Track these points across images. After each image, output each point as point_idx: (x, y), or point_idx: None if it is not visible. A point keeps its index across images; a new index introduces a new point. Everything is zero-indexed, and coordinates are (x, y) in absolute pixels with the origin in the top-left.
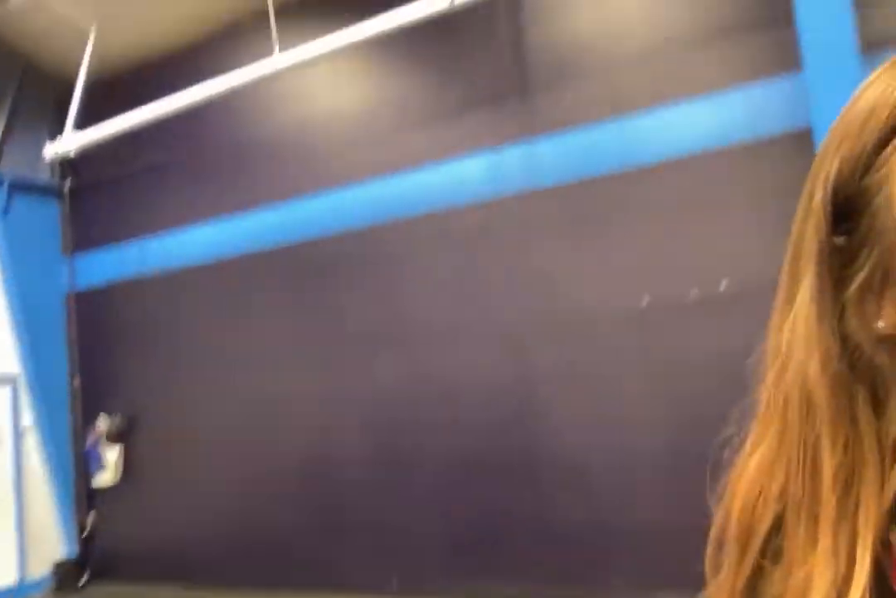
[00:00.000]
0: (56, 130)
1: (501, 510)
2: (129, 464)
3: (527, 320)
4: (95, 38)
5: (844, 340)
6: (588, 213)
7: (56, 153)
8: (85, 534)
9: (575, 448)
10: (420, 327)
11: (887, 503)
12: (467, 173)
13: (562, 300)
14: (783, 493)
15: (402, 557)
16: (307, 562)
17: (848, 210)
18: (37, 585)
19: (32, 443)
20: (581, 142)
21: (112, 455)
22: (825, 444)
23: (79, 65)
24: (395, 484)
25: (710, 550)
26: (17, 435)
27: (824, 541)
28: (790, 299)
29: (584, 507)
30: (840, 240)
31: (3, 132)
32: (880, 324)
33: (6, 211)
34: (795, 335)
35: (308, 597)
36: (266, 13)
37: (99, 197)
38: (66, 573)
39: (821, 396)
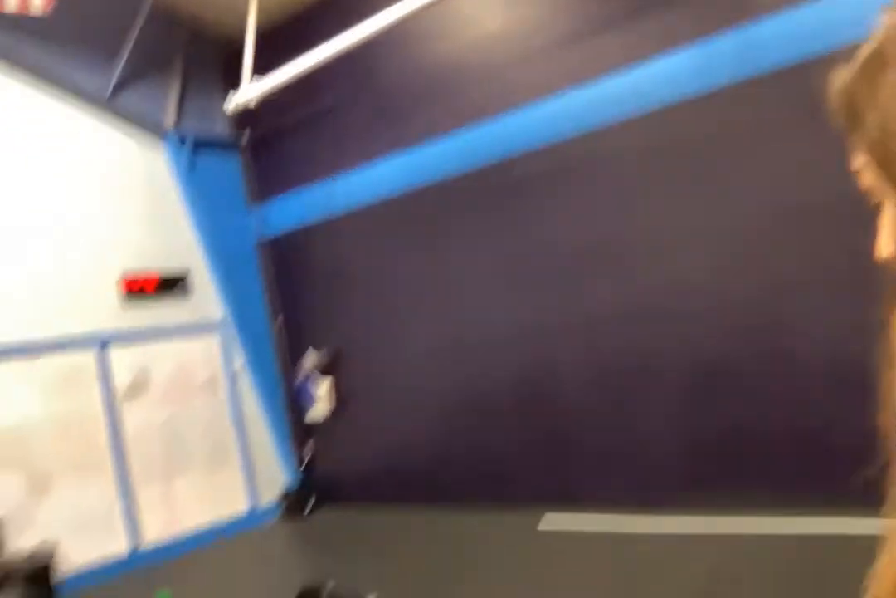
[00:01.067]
0: (227, 86)
1: (742, 422)
2: (339, 395)
3: (762, 218)
4: None
5: None
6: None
7: (237, 105)
8: (304, 464)
9: (832, 352)
10: (635, 242)
11: None
12: (668, 72)
13: (801, 194)
14: None
15: (637, 474)
16: (527, 481)
17: None
18: (267, 513)
19: (246, 384)
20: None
21: (323, 388)
22: None
23: (240, 21)
24: (622, 405)
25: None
26: (231, 378)
27: None
28: None
29: (838, 411)
30: None
31: (180, 93)
32: None
33: (192, 167)
34: None
35: (531, 513)
36: None
37: (276, 146)
38: (291, 502)
39: None
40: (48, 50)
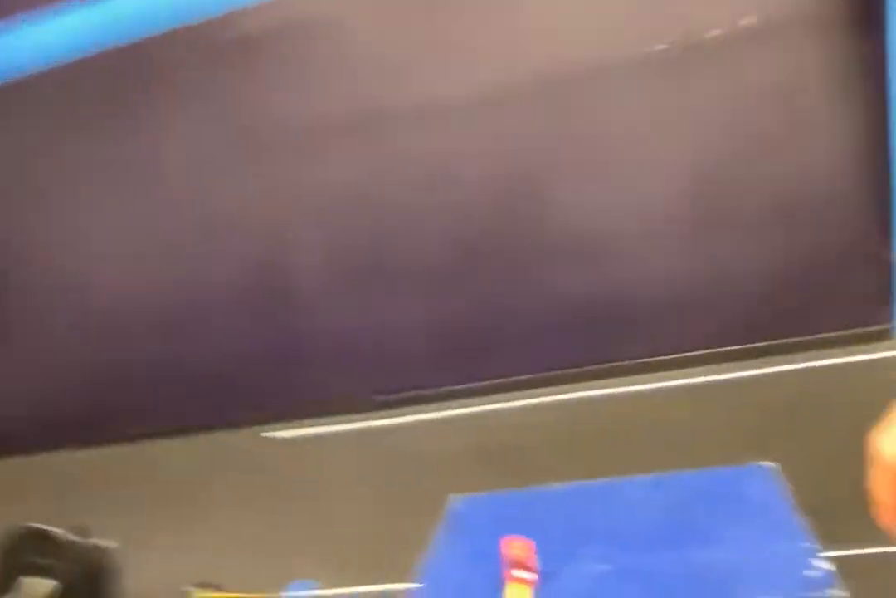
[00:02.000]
0: None
1: (499, 298)
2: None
3: (515, 83)
4: None
5: None
6: None
7: None
8: None
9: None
10: (380, 111)
11: None
12: None
13: (558, 52)
14: None
15: (382, 369)
16: (255, 390)
17: None
18: None
19: None
20: None
21: None
22: None
23: None
24: (367, 296)
25: None
26: None
27: None
28: None
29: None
30: None
31: None
32: None
33: None
34: None
35: (260, 424)
36: None
37: None
38: None
39: None
40: None
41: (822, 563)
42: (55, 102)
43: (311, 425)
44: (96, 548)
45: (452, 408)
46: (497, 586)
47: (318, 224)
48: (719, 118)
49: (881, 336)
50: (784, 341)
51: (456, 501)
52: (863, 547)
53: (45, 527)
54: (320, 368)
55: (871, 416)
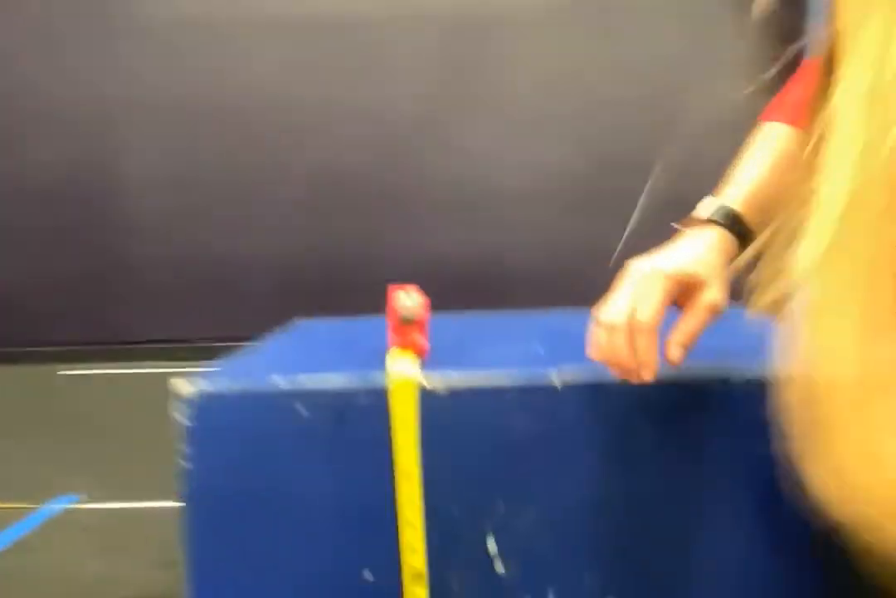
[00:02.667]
0: None
1: (354, 243)
2: None
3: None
4: None
5: None
6: None
7: None
8: None
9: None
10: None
11: None
12: None
13: None
14: None
15: (225, 307)
16: (57, 323)
17: None
18: None
19: None
20: None
21: None
22: None
23: None
24: (205, 224)
25: None
26: None
27: None
28: None
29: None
30: None
31: None
32: None
33: None
34: None
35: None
36: None
37: None
38: None
39: None
40: None
41: None
42: None
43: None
44: None
45: None
46: None
47: (150, 137)
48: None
49: None
50: None
51: None
52: None
53: None
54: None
55: None
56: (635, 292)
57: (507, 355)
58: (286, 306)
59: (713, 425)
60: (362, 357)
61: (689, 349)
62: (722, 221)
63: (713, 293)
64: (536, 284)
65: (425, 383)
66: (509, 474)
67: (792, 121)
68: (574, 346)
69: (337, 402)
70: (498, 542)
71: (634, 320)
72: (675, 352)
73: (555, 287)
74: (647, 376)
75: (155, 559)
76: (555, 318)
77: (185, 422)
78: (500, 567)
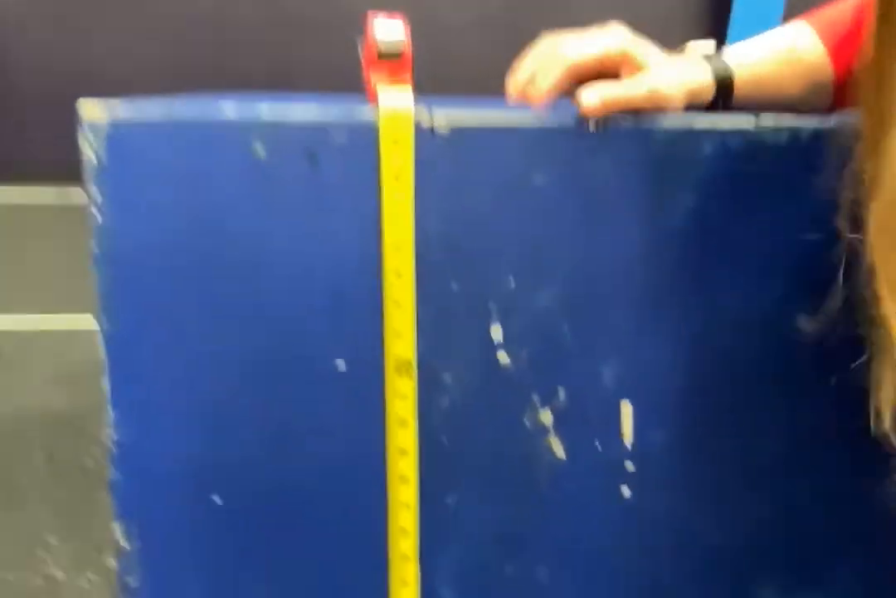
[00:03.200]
0: None
1: None
2: None
3: None
4: None
5: None
6: None
7: None
8: None
9: None
10: None
11: None
12: None
13: None
14: None
15: None
16: None
17: None
18: None
19: None
20: None
21: None
22: None
23: None
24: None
25: None
26: None
27: None
28: None
29: None
30: None
31: None
32: None
33: None
34: None
35: None
36: None
37: None
38: None
39: None
40: None
41: None
42: None
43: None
44: None
45: None
46: None
47: None
48: None
49: None
50: None
51: None
52: None
53: None
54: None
55: None
56: (582, 35)
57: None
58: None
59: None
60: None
61: (606, 107)
62: (713, 62)
63: (657, 79)
64: None
65: (423, 119)
66: (524, 241)
67: (821, 33)
68: None
69: (307, 138)
70: (504, 327)
71: (562, 48)
72: (587, 96)
73: None
74: (535, 93)
75: (52, 374)
76: None
77: (95, 161)
78: (503, 358)
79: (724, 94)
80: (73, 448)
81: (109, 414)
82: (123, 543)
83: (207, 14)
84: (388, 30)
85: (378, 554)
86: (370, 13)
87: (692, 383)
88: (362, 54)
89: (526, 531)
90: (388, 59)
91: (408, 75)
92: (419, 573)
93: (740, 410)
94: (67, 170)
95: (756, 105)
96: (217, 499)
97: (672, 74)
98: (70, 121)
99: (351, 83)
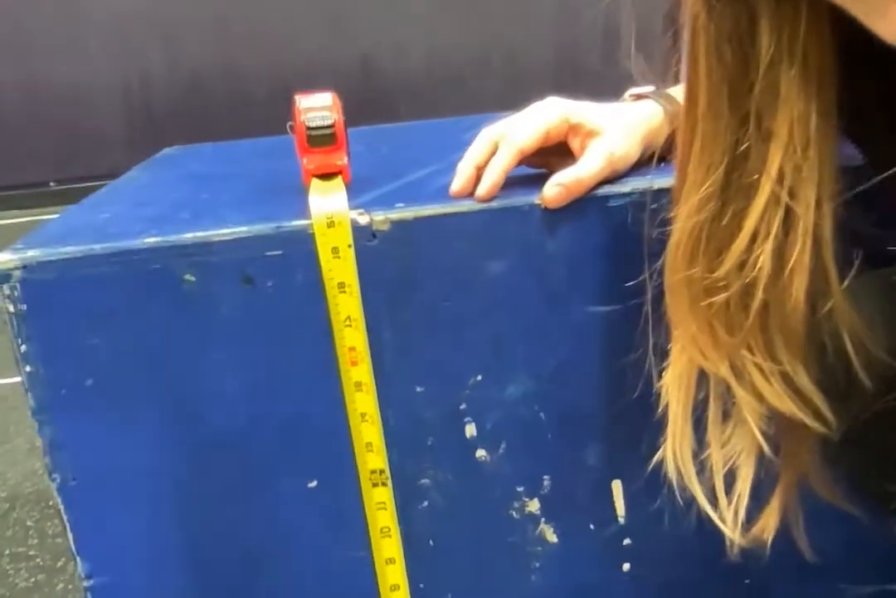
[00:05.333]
0: None
1: None
2: None
3: None
4: None
5: None
6: None
7: None
8: None
9: None
10: None
11: None
12: None
13: None
14: None
15: None
16: None
17: None
18: None
19: None
20: None
21: None
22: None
23: None
24: None
25: None
26: None
27: None
28: None
29: None
30: None
31: None
32: None
33: None
34: None
35: None
36: None
37: None
38: None
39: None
40: None
41: None
42: None
43: None
44: None
45: None
46: None
47: None
48: None
49: None
50: None
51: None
52: None
53: None
54: None
55: None
56: (522, 116)
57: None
58: (145, 137)
59: None
60: (262, 193)
61: (570, 193)
62: (659, 99)
63: (609, 142)
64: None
65: (360, 220)
66: (486, 334)
67: None
68: None
69: (238, 257)
70: (477, 424)
71: (507, 132)
72: (549, 190)
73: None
74: (482, 190)
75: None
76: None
77: (13, 309)
78: (481, 454)
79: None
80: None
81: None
82: None
83: None
84: (317, 112)
85: None
86: (297, 95)
87: None
88: (294, 139)
89: None
90: (320, 144)
91: (342, 157)
92: None
93: None
94: None
95: None
96: None
97: (622, 128)
98: None
99: None
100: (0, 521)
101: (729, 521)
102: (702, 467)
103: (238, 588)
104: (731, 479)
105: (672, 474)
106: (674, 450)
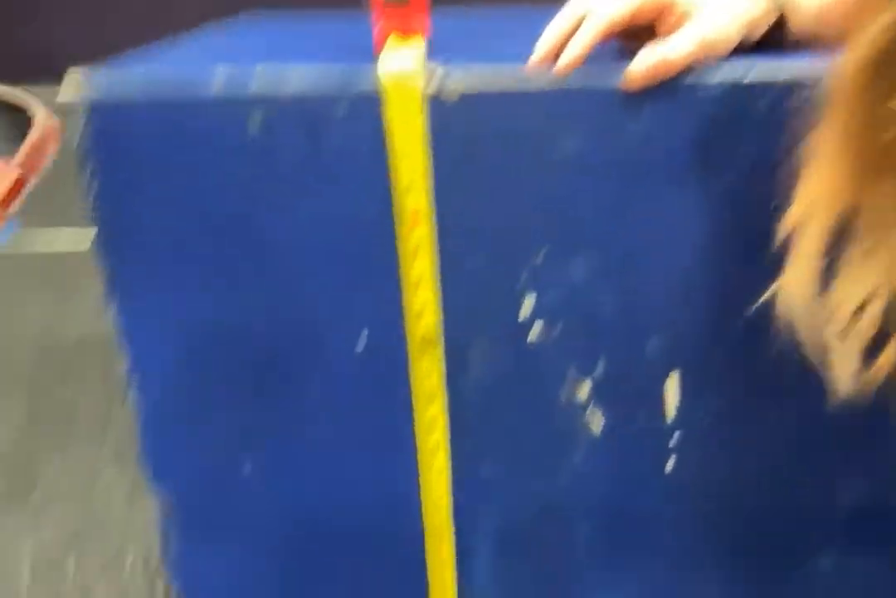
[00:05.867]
0: None
1: None
2: None
3: None
4: None
5: None
6: None
7: None
8: None
9: None
10: None
11: None
12: None
13: None
14: None
15: None
16: None
17: None
18: None
19: None
20: None
21: None
22: None
23: None
24: None
25: None
26: None
27: None
28: None
29: None
30: None
31: None
32: None
33: None
34: None
35: None
36: None
37: None
38: None
39: None
40: None
41: None
42: None
43: None
44: None
45: None
46: None
47: None
48: None
49: None
50: None
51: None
52: None
53: None
54: None
55: None
56: None
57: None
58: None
59: None
60: (334, 51)
61: (656, 74)
62: None
63: (704, 24)
64: None
65: (434, 83)
66: (555, 209)
67: None
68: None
69: (306, 111)
70: (536, 300)
71: (595, 6)
72: (633, 68)
73: None
74: (562, 62)
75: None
76: None
77: (82, 141)
78: (536, 332)
79: (780, 22)
80: None
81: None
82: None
83: None
84: None
85: (413, 527)
86: None
87: (742, 353)
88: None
89: (564, 501)
90: (397, 4)
91: (421, 22)
92: (455, 544)
93: (792, 378)
94: None
95: (819, 40)
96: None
97: (721, 13)
98: None
99: None
100: None
101: (843, 364)
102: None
103: (281, 449)
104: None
105: (784, 313)
106: (794, 283)
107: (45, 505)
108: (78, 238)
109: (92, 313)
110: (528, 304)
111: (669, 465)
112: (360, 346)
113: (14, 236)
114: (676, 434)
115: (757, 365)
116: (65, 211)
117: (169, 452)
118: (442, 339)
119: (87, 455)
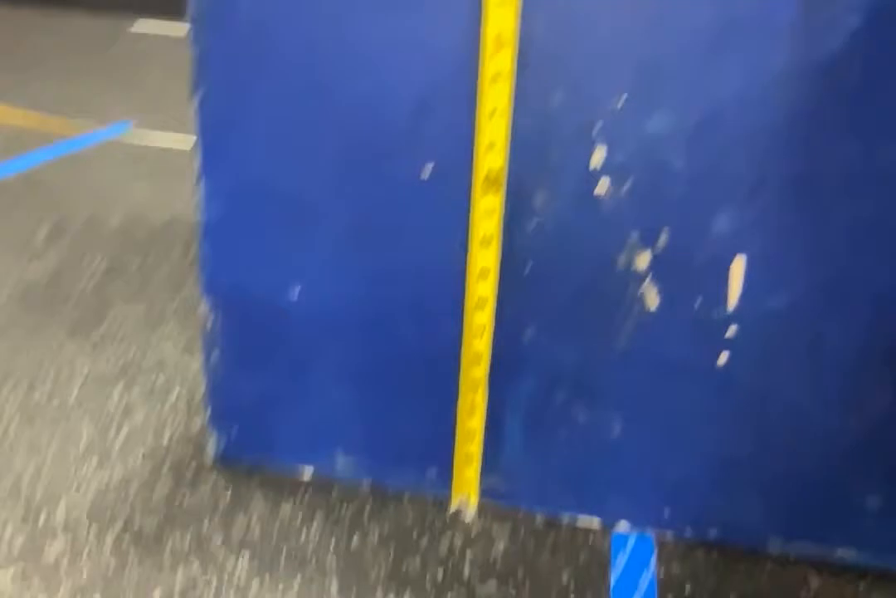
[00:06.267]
0: None
1: None
2: None
3: None
4: None
5: None
6: None
7: None
8: None
9: None
10: None
11: None
12: None
13: None
14: None
15: None
16: None
17: None
18: None
19: None
20: None
21: None
22: None
23: None
24: None
25: None
26: None
27: None
28: None
29: None
30: None
31: None
32: None
33: None
34: None
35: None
36: None
37: None
38: None
39: None
40: None
41: None
42: None
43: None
44: None
45: None
46: None
47: None
48: None
49: None
50: None
51: None
52: None
53: None
54: None
55: None
56: None
57: None
58: None
59: None
60: None
61: None
62: None
63: None
64: None
65: None
66: (641, 55)
67: None
68: None
69: None
70: (607, 151)
71: None
72: None
73: None
74: None
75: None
76: None
77: None
78: (603, 186)
79: None
80: None
81: (200, 193)
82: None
83: None
84: None
85: (450, 380)
86: None
87: (820, 243)
88: None
89: (602, 381)
90: None
91: None
92: (487, 400)
93: (873, 277)
94: None
95: None
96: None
97: None
98: None
99: None
100: None
101: None
102: None
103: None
104: None
105: None
106: None
107: (105, 340)
108: (181, 140)
109: (182, 202)
110: (599, 155)
111: (722, 359)
112: (426, 173)
113: (128, 131)
114: (734, 327)
115: (834, 261)
116: (175, 119)
117: (223, 264)
118: (506, 181)
119: (155, 310)
